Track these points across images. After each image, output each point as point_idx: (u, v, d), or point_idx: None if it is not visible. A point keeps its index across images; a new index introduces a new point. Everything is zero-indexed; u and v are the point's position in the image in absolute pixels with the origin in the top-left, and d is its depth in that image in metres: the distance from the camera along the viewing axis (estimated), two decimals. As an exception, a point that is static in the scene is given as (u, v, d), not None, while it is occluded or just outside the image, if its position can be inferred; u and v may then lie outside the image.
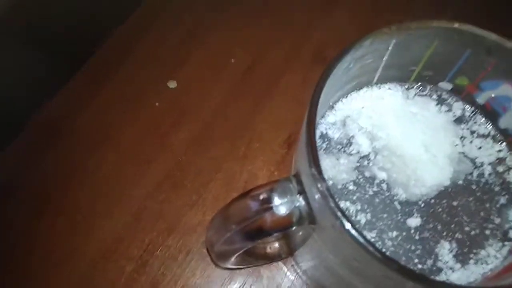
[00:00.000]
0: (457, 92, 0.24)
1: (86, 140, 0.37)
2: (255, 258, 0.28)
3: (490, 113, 0.23)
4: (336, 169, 0.23)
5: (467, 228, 0.21)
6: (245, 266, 0.29)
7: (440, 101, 0.24)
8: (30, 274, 0.32)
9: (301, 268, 0.30)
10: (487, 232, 0.21)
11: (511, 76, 0.21)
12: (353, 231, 0.16)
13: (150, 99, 0.39)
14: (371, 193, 0.22)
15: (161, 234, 0.33)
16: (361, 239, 0.16)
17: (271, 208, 0.20)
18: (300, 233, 0.25)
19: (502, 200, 0.22)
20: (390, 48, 0.22)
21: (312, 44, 0.41)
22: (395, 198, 0.22)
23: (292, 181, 0.20)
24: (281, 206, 0.20)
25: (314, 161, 0.17)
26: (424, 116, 0.23)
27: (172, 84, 0.39)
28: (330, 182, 0.22)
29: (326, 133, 0.24)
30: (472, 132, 0.24)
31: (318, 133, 0.23)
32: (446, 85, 0.24)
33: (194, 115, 0.38)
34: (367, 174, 0.22)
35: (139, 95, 0.39)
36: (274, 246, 0.29)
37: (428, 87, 0.25)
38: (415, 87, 0.25)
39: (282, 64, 0.40)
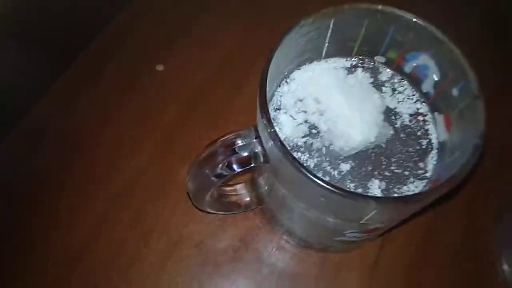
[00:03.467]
0: (389, 64, 0.30)
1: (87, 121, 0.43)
2: (229, 206, 0.34)
3: (415, 79, 0.29)
4: (289, 125, 0.28)
5: (392, 167, 0.27)
6: (221, 212, 0.34)
7: (374, 72, 0.30)
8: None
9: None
10: (408, 171, 0.27)
11: (426, 48, 0.27)
12: (294, 162, 0.21)
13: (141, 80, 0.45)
14: (316, 144, 0.27)
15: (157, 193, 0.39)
16: (300, 167, 0.21)
17: (235, 150, 0.25)
18: (264, 183, 0.31)
19: (423, 144, 0.28)
20: (331, 26, 0.27)
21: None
22: (331, 147, 0.27)
23: (251, 130, 0.26)
24: (242, 148, 0.25)
25: (265, 113, 0.23)
26: (360, 85, 0.29)
27: (160, 68, 0.45)
28: (284, 137, 0.28)
29: (281, 98, 0.29)
30: (397, 92, 0.29)
31: (275, 99, 0.29)
32: (380, 58, 0.30)
33: (180, 96, 0.44)
34: (313, 130, 0.28)
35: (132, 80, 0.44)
36: (245, 198, 0.34)
37: (366, 60, 0.30)
38: (356, 60, 0.30)
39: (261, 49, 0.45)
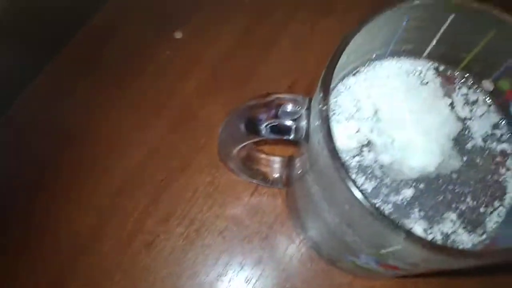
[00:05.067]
0: (496, 95, 0.24)
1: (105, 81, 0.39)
2: (255, 173, 0.31)
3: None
4: (342, 134, 0.24)
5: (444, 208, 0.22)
6: (246, 176, 0.31)
7: (469, 98, 0.25)
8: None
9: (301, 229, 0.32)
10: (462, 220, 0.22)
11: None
12: (332, 150, 0.18)
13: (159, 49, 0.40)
14: (367, 156, 0.23)
15: (174, 172, 0.36)
16: (335, 157, 0.18)
17: (281, 112, 0.22)
18: (299, 166, 0.27)
19: (493, 196, 0.22)
20: (448, 22, 0.22)
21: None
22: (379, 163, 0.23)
23: (306, 100, 0.22)
24: (289, 114, 0.22)
25: (325, 85, 0.19)
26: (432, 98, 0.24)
27: (178, 35, 0.41)
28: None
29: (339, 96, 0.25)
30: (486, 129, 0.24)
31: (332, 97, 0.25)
32: (488, 85, 0.24)
33: (202, 64, 0.39)
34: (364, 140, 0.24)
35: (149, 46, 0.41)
36: (275, 174, 0.31)
37: (470, 80, 0.25)
38: (458, 75, 0.25)
39: (291, 13, 0.41)
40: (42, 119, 0.38)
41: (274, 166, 0.31)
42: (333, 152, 0.18)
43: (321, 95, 0.19)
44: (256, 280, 0.33)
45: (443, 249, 0.18)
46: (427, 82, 0.25)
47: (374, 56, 0.25)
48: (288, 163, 0.31)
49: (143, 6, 0.42)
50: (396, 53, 0.25)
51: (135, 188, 0.35)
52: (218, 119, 0.25)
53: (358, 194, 0.17)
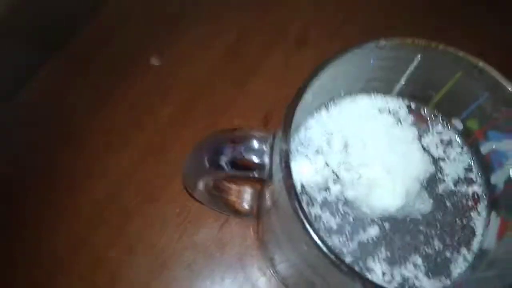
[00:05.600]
0: (465, 134, 0.24)
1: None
2: (225, 203, 0.30)
3: (486, 165, 0.23)
4: (310, 168, 0.23)
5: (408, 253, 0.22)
6: (215, 207, 0.30)
7: (441, 136, 0.24)
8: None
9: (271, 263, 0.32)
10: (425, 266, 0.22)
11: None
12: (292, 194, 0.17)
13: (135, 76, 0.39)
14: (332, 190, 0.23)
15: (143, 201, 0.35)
16: (294, 194, 0.17)
17: (244, 148, 0.21)
18: (268, 199, 0.26)
19: (460, 241, 0.22)
20: (415, 62, 0.22)
21: (296, 27, 0.42)
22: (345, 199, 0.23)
23: (269, 137, 0.21)
24: (253, 152, 0.21)
25: (285, 129, 0.19)
26: (406, 140, 0.24)
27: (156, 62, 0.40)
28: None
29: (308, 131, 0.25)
30: (456, 168, 0.24)
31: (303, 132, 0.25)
32: (457, 123, 0.24)
33: (178, 91, 0.39)
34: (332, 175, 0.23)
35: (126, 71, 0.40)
36: (245, 205, 0.31)
37: (440, 119, 0.25)
38: (427, 113, 0.25)
39: (267, 45, 0.41)
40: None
41: (245, 197, 0.31)
42: (291, 191, 0.17)
43: (281, 135, 0.18)
44: (224, 316, 0.31)
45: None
46: (400, 121, 0.25)
47: (343, 93, 0.25)
48: (260, 194, 0.30)
49: (119, 35, 0.42)
50: (368, 90, 0.25)
51: (102, 219, 0.34)
52: (191, 149, 0.24)
53: (314, 236, 0.17)
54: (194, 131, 0.36)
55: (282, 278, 0.30)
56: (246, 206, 0.31)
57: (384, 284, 0.20)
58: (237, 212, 0.31)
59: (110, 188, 0.35)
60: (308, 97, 0.21)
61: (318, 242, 0.17)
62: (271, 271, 0.32)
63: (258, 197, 0.31)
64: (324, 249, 0.16)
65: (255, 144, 0.21)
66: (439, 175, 0.23)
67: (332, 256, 0.16)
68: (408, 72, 0.23)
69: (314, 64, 0.20)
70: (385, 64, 0.22)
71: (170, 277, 0.32)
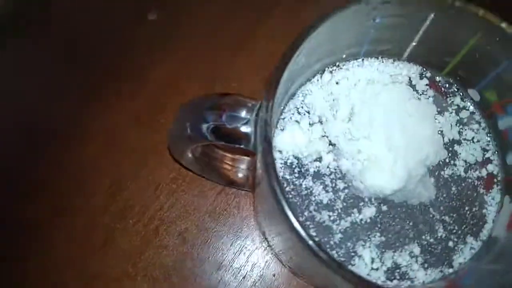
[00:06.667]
0: (482, 106, 0.21)
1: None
2: (217, 172, 0.28)
3: (505, 143, 0.21)
4: (303, 137, 0.21)
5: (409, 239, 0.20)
6: (206, 176, 0.29)
7: (455, 109, 0.22)
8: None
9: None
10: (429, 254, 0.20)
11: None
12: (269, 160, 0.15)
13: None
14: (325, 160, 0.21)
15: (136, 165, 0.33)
16: (273, 173, 0.15)
17: (230, 117, 0.19)
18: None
19: (469, 226, 0.20)
20: (428, 20, 0.19)
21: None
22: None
23: (256, 105, 0.19)
24: (239, 120, 0.19)
25: (268, 96, 0.16)
26: (420, 117, 0.21)
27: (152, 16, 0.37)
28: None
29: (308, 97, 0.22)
30: (469, 147, 0.21)
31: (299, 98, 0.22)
32: (474, 94, 0.21)
33: (176, 48, 0.36)
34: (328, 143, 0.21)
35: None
36: (239, 174, 0.29)
37: (454, 88, 0.22)
38: (441, 81, 0.22)
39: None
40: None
41: (240, 166, 0.29)
42: (270, 169, 0.15)
43: (263, 103, 0.16)
44: (215, 288, 0.30)
45: None
46: (415, 94, 0.22)
47: (346, 56, 0.22)
48: (253, 164, 0.28)
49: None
50: (372, 54, 0.22)
51: (92, 182, 0.33)
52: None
53: (293, 220, 0.15)
54: (189, 95, 0.34)
55: (275, 253, 0.29)
56: (241, 175, 0.29)
57: (371, 272, 0.18)
58: (231, 182, 0.29)
59: (99, 151, 0.33)
60: (300, 59, 0.18)
61: (299, 229, 0.15)
62: (265, 245, 0.30)
63: (254, 166, 0.29)
64: (303, 234, 0.15)
65: (243, 112, 0.19)
66: (450, 159, 0.21)
67: (311, 242, 0.14)
68: (420, 33, 0.20)
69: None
70: (393, 23, 0.19)
71: (161, 245, 0.31)
